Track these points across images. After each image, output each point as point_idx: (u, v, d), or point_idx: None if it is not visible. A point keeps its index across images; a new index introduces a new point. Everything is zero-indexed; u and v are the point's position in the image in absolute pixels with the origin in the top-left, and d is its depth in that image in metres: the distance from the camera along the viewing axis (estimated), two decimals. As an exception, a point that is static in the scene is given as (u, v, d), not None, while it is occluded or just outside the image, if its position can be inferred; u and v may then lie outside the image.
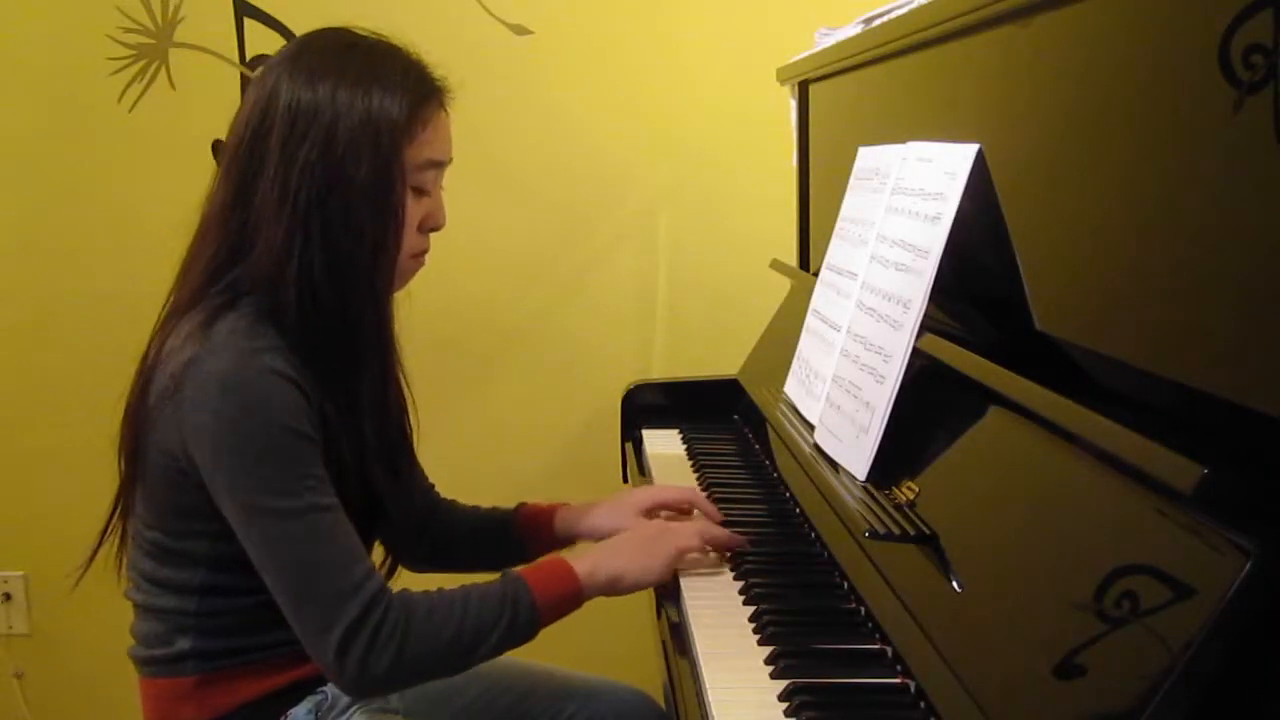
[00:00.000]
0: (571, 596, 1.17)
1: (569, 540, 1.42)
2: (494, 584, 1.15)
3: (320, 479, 1.09)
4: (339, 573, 1.07)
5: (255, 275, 1.12)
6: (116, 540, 1.22)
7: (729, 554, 1.30)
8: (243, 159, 1.13)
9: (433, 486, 1.45)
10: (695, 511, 1.39)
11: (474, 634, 1.11)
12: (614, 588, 1.20)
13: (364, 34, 1.18)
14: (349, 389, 1.15)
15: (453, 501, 1.46)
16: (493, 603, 1.12)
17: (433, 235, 1.23)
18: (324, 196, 1.10)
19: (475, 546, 1.44)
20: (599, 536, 1.37)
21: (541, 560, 1.19)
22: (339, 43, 1.17)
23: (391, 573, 1.33)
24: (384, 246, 1.14)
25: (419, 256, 1.22)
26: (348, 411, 1.15)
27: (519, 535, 1.42)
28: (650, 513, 1.39)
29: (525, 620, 1.13)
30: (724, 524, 1.37)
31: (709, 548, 1.28)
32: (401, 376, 1.28)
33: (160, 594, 1.17)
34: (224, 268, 1.14)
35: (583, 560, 1.19)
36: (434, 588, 1.14)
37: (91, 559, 1.22)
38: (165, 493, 1.13)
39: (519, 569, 1.17)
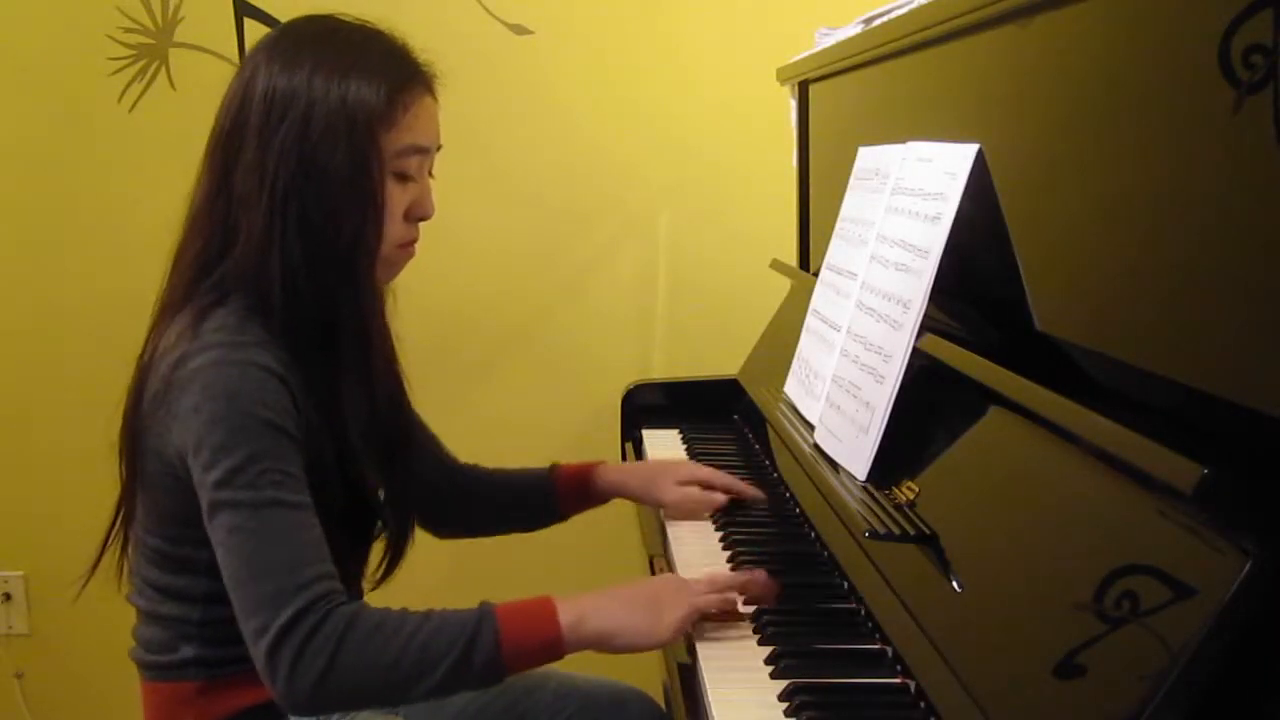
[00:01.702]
0: (547, 645, 1.05)
1: (605, 497, 1.45)
2: (460, 612, 1.05)
3: (291, 475, 1.05)
4: (287, 571, 1.01)
5: (240, 267, 1.11)
6: (119, 546, 1.21)
7: (729, 555, 1.30)
8: (223, 148, 1.12)
9: (449, 456, 1.45)
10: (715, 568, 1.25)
11: (419, 661, 1.01)
12: (605, 644, 1.07)
13: (347, 20, 1.17)
14: (331, 383, 1.13)
15: (475, 466, 1.46)
16: (450, 632, 1.02)
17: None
18: (301, 183, 1.09)
19: (504, 508, 1.45)
20: (633, 497, 1.46)
21: (526, 600, 1.07)
22: (320, 29, 1.15)
23: (386, 576, 1.30)
24: (364, 233, 1.12)
25: (407, 246, 1.19)
26: (331, 407, 1.13)
27: (554, 493, 1.44)
28: (685, 484, 1.41)
29: (484, 660, 1.02)
30: (724, 524, 1.38)
31: (736, 599, 1.13)
32: (399, 372, 1.27)
33: (163, 601, 1.16)
34: (212, 261, 1.13)
35: (571, 607, 1.06)
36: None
37: (95, 567, 1.21)
38: (163, 498, 1.12)
39: (498, 604, 1.06)
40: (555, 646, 1.05)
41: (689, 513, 1.42)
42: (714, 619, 1.11)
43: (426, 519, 1.43)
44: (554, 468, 1.47)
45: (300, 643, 0.99)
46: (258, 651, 1.01)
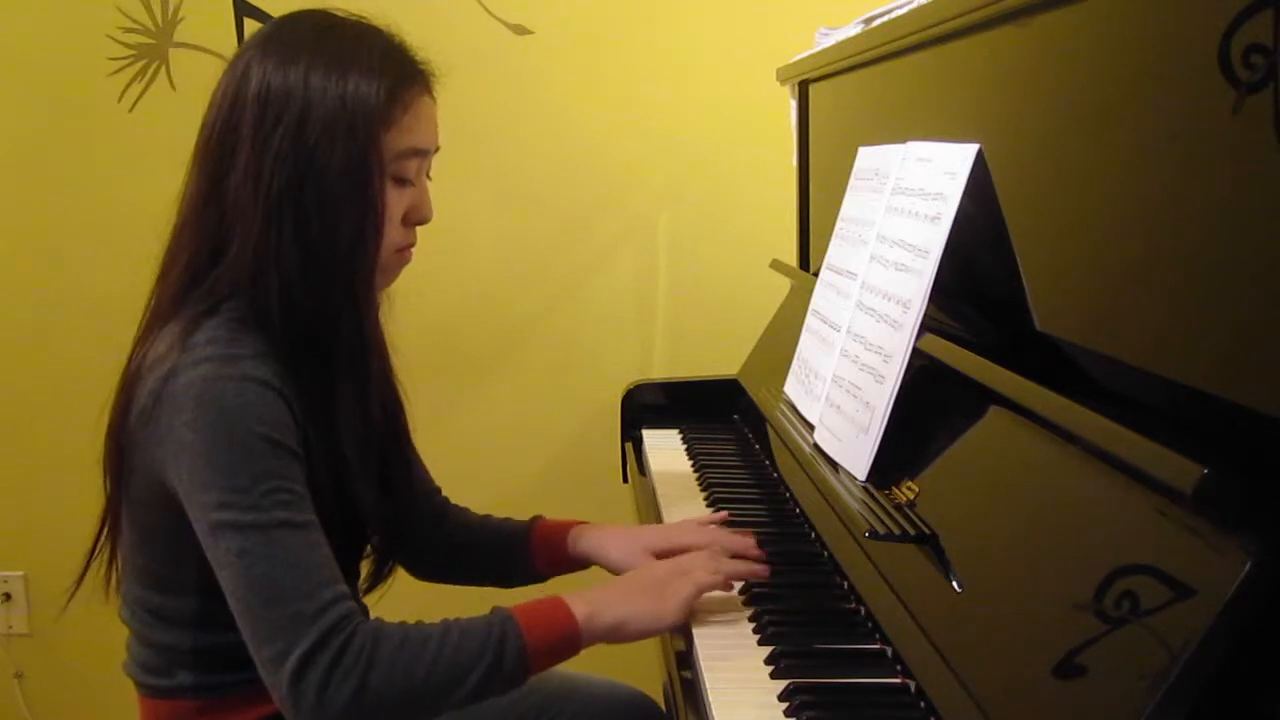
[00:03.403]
0: (567, 641, 1.06)
1: (582, 560, 1.33)
2: (479, 620, 1.05)
3: (296, 493, 1.02)
4: (302, 594, 0.98)
5: (234, 274, 1.07)
6: (106, 557, 1.18)
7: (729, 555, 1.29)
8: (214, 149, 1.08)
9: (439, 491, 1.40)
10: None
11: (450, 673, 1.00)
12: (617, 634, 1.09)
13: (343, 16, 1.13)
14: (327, 395, 1.10)
15: (463, 509, 1.40)
16: (476, 640, 1.02)
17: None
18: (298, 186, 1.04)
19: (483, 557, 1.37)
20: (606, 564, 1.31)
21: (537, 600, 1.09)
22: (315, 25, 1.11)
23: (373, 586, 1.29)
24: (363, 239, 1.08)
25: (404, 251, 1.15)
26: (326, 421, 1.10)
27: (531, 549, 1.34)
28: (662, 555, 1.25)
29: (512, 664, 1.03)
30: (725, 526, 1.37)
31: (730, 583, 1.17)
32: (395, 383, 1.24)
33: (156, 626, 1.14)
34: (203, 269, 1.08)
35: (582, 602, 1.08)
36: (426, 615, 1.08)
37: (80, 580, 1.18)
38: (151, 516, 1.09)
39: (511, 607, 1.07)
40: (574, 641, 1.06)
41: None
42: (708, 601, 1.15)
43: (408, 558, 1.37)
44: (535, 523, 1.37)
45: (327, 667, 0.97)
46: (277, 679, 0.98)
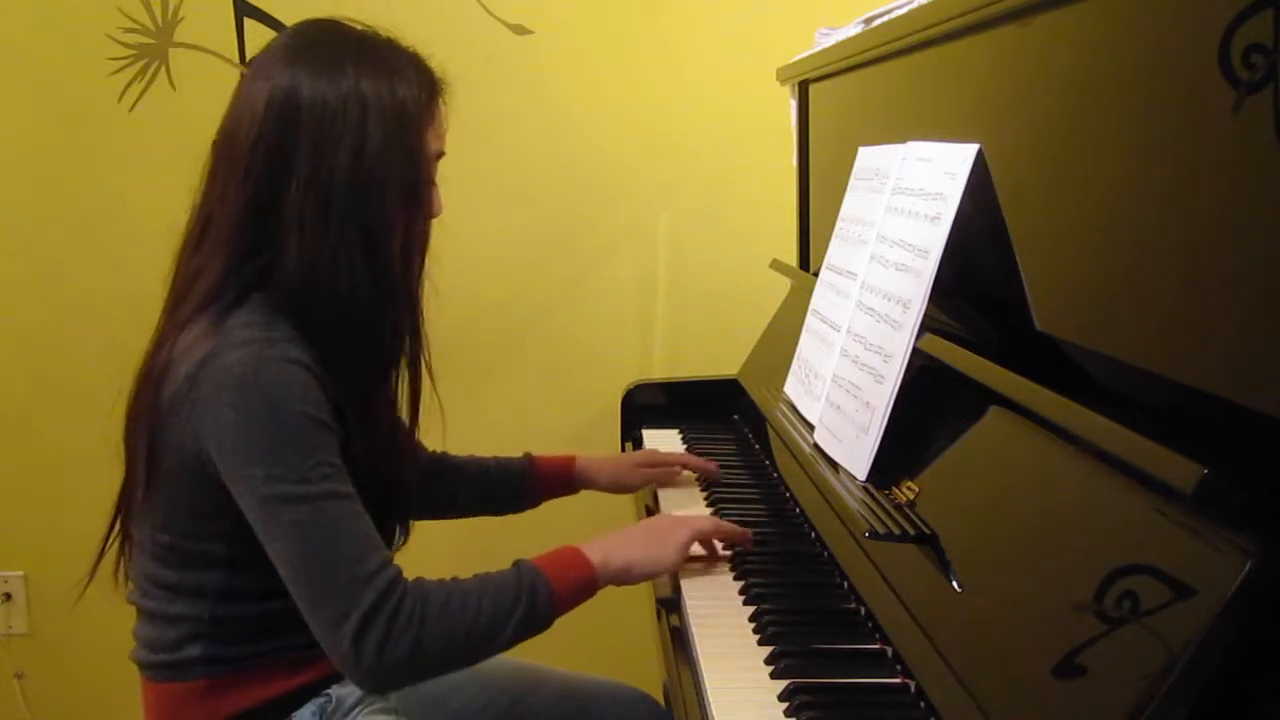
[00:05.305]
0: (587, 584, 1.15)
1: (581, 484, 1.54)
2: (509, 572, 1.13)
3: (337, 466, 1.07)
4: (355, 561, 1.05)
5: (287, 280, 1.10)
6: (117, 546, 1.20)
7: (729, 553, 1.30)
8: (261, 160, 1.09)
9: (421, 444, 1.46)
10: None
11: (491, 623, 1.09)
12: (625, 576, 1.19)
13: (360, 26, 1.17)
14: (373, 384, 1.16)
15: (443, 453, 1.50)
16: (509, 592, 1.11)
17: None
18: (361, 193, 1.10)
19: (479, 489, 1.51)
20: (601, 488, 1.55)
21: (554, 550, 1.17)
22: (342, 34, 1.15)
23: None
24: (416, 238, 1.16)
25: None
26: (367, 405, 1.14)
27: (534, 481, 1.51)
28: (643, 466, 1.55)
29: (543, 609, 1.11)
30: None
31: (719, 540, 1.29)
32: (425, 367, 1.27)
33: (173, 600, 1.16)
34: (246, 272, 1.11)
35: (594, 549, 1.17)
36: (444, 574, 1.12)
37: (95, 567, 1.21)
38: (183, 495, 1.12)
39: (531, 559, 1.15)
40: (592, 584, 1.16)
41: (658, 483, 1.57)
42: (705, 560, 1.28)
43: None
44: (532, 458, 1.54)
45: (386, 625, 1.04)
46: (337, 640, 1.04)
